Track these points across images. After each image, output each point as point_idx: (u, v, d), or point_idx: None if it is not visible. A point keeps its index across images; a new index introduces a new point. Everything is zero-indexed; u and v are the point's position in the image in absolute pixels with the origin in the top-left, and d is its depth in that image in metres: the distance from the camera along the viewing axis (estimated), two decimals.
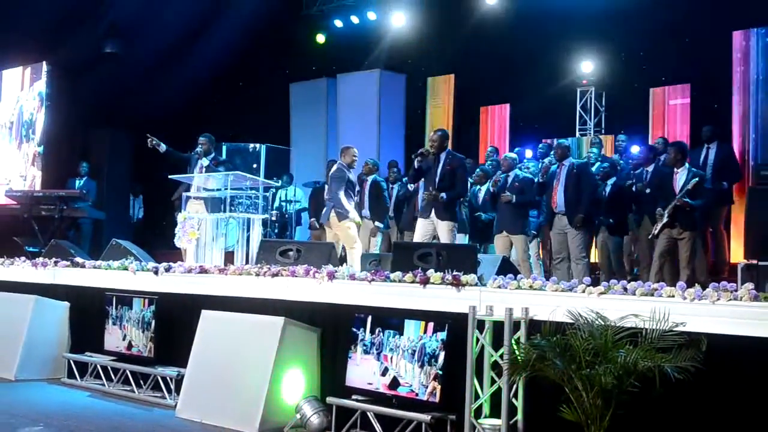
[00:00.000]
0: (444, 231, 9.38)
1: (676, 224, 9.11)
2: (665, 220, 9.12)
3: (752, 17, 12.42)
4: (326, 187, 10.73)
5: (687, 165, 9.28)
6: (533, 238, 10.77)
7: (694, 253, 9.23)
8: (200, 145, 10.71)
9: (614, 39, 14.31)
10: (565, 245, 9.69)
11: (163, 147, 10.74)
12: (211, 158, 10.72)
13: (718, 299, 5.27)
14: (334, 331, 7.35)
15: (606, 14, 13.72)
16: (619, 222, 10.30)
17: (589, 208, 9.64)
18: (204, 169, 10.60)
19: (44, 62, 16.37)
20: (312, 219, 12.81)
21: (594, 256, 10.60)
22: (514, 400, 5.79)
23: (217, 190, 10.23)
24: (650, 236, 9.54)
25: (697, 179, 9.05)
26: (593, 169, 10.65)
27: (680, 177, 9.21)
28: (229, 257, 10.20)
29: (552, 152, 11.08)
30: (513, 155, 11.10)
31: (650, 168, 10.15)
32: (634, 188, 10.30)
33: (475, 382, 6.00)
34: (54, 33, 15.92)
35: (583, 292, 5.86)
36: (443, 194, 9.35)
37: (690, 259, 9.14)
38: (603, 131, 14.98)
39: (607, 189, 10.39)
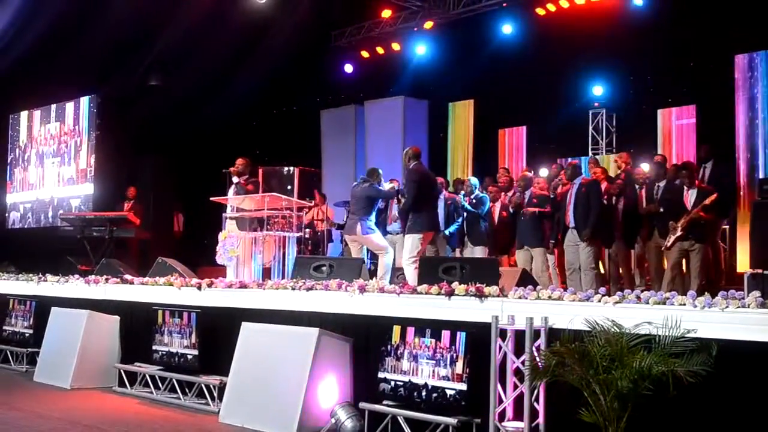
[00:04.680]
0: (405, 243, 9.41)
1: (689, 237, 9.09)
2: (678, 233, 9.10)
3: (753, 42, 12.36)
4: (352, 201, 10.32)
5: (697, 184, 9.32)
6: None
7: (704, 264, 9.18)
8: (238, 166, 10.75)
9: (623, 64, 14.29)
10: (576, 257, 9.65)
11: None
12: (243, 178, 10.78)
13: (727, 307, 5.23)
14: (365, 341, 7.35)
15: (615, 41, 13.72)
16: (628, 237, 10.22)
17: (597, 223, 9.58)
18: (235, 187, 10.64)
19: (95, 95, 16.58)
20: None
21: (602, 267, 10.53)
22: (535, 404, 5.76)
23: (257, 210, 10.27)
24: (663, 248, 9.50)
25: (714, 195, 9.05)
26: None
27: (692, 194, 9.23)
28: (266, 273, 10.23)
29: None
30: (529, 174, 11.05)
31: (662, 184, 10.05)
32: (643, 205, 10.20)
33: (499, 387, 5.99)
34: (103, 69, 16.15)
35: (599, 301, 5.84)
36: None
37: (701, 269, 9.09)
38: (614, 151, 14.92)
39: (620, 206, 10.29)
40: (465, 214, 11.03)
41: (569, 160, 14.37)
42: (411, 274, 8.89)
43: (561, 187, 10.41)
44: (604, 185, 10.31)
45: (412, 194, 9.42)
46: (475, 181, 11.53)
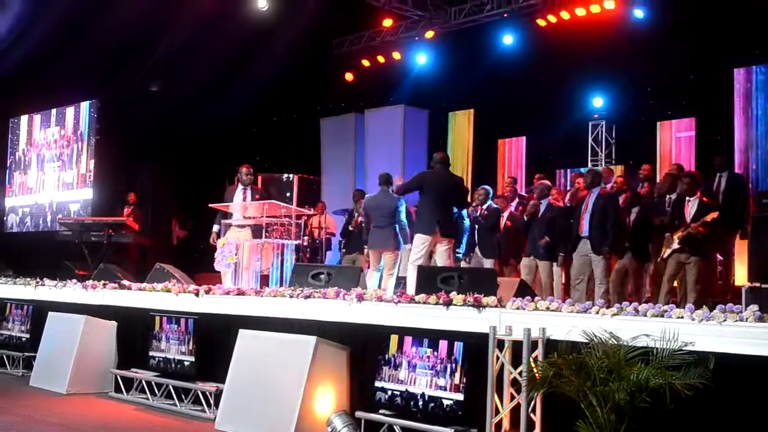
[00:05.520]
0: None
1: (685, 250, 9.07)
2: (675, 246, 9.09)
3: (752, 55, 12.41)
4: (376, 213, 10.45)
5: (698, 195, 9.27)
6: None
7: (700, 277, 9.17)
8: (247, 175, 10.73)
9: (623, 76, 14.32)
10: (586, 268, 9.54)
11: None
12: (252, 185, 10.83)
13: (725, 320, 5.22)
14: (362, 349, 7.33)
15: (615, 53, 13.75)
16: (641, 248, 10.15)
17: (615, 239, 9.49)
18: (249, 197, 10.62)
19: (95, 100, 16.59)
20: None
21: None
22: (532, 415, 5.75)
23: (258, 217, 10.28)
24: (659, 260, 9.49)
25: (716, 213, 9.02)
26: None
27: (692, 205, 9.20)
28: (264, 280, 10.22)
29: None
30: (547, 183, 10.90)
31: (673, 196, 9.99)
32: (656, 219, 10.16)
33: (496, 397, 5.98)
34: (103, 74, 16.15)
35: (597, 313, 5.83)
36: None
37: (696, 283, 9.08)
38: (613, 162, 14.94)
39: (632, 216, 10.23)
40: (476, 225, 10.92)
41: (570, 171, 14.44)
42: (412, 275, 8.88)
43: (578, 194, 10.33)
44: (623, 197, 10.26)
45: (402, 186, 9.57)
46: (489, 189, 11.40)
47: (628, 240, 10.02)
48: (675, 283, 9.50)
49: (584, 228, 9.60)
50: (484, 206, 10.98)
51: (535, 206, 10.45)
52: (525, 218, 10.61)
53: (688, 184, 9.36)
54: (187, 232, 16.50)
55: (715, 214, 9.05)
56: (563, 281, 10.47)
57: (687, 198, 9.31)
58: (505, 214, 11.13)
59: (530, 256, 10.34)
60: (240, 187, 10.69)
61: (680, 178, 10.35)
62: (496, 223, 10.92)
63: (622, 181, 10.76)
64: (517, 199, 11.75)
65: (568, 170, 14.68)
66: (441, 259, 9.06)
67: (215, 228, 10.58)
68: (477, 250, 10.86)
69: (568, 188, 12.07)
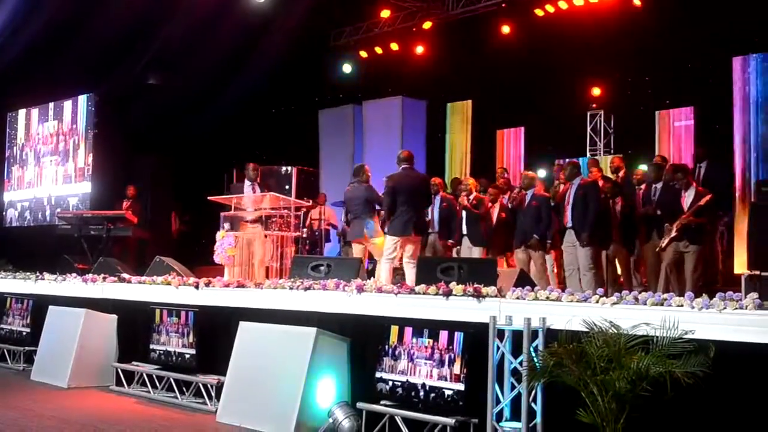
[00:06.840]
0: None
1: (684, 238, 9.11)
2: (673, 234, 9.13)
3: (750, 44, 12.39)
4: (351, 204, 10.52)
5: (693, 185, 9.32)
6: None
7: (699, 265, 9.20)
8: (254, 171, 10.81)
9: (622, 65, 14.31)
10: (575, 258, 9.63)
11: None
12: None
13: (725, 308, 5.23)
14: (363, 341, 7.35)
15: (613, 43, 13.74)
16: (627, 238, 10.21)
17: (594, 226, 9.56)
18: (258, 191, 10.67)
19: (92, 94, 16.56)
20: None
21: None
22: (533, 405, 5.77)
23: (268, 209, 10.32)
24: (657, 249, 9.51)
25: (708, 197, 9.08)
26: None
27: (688, 196, 9.24)
28: (264, 272, 10.23)
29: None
30: (532, 174, 10.99)
31: (659, 185, 10.05)
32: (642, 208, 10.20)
33: (496, 387, 6.00)
34: (101, 67, 16.11)
35: (597, 302, 5.84)
36: None
37: (695, 271, 9.12)
38: (612, 152, 14.94)
39: (617, 207, 10.27)
40: (465, 214, 10.96)
41: (567, 160, 14.41)
42: (385, 271, 9.20)
43: (561, 187, 10.40)
44: (602, 185, 10.29)
45: (385, 202, 9.63)
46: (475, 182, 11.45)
47: (616, 231, 10.10)
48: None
49: (567, 219, 9.73)
50: (471, 196, 11.03)
51: (519, 195, 10.56)
52: (509, 206, 10.72)
53: (684, 178, 9.42)
54: (185, 226, 16.49)
55: (707, 198, 9.11)
56: (556, 270, 10.50)
57: (683, 190, 9.37)
58: (498, 205, 11.17)
59: (521, 246, 10.40)
60: (247, 182, 10.79)
61: (664, 168, 10.39)
62: (484, 212, 10.97)
63: (598, 173, 10.82)
64: (509, 192, 11.77)
65: (567, 160, 14.65)
66: (411, 255, 9.41)
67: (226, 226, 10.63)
68: (465, 239, 10.92)
69: None
